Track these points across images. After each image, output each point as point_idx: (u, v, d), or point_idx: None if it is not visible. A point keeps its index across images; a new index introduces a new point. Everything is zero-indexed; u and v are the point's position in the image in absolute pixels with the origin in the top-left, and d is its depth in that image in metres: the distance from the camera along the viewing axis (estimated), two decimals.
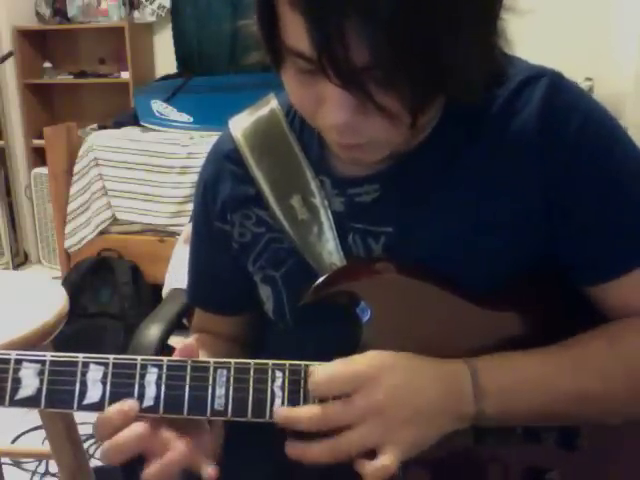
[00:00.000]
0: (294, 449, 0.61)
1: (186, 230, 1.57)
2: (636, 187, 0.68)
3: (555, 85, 0.67)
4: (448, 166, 0.69)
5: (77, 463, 1.40)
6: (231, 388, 0.62)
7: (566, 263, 0.70)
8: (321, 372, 0.62)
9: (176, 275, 1.46)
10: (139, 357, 0.62)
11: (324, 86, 0.58)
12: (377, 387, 0.61)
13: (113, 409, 0.60)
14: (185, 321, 1.24)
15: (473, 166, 0.68)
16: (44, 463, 1.98)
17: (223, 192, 0.80)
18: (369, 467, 0.59)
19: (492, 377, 0.64)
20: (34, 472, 1.95)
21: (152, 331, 1.13)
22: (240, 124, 0.80)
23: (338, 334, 0.71)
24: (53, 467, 1.92)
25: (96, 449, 2.03)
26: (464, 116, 0.68)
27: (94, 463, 1.92)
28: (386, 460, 0.59)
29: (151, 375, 0.62)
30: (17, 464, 1.97)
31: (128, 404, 0.61)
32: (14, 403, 0.61)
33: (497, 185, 0.68)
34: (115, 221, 2.88)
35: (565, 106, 0.67)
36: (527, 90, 0.68)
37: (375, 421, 0.60)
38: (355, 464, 0.60)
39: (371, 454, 0.60)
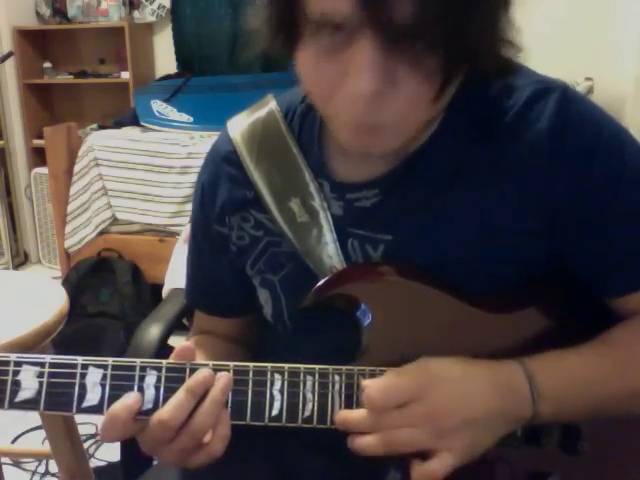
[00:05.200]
0: (350, 440, 0.62)
1: (186, 230, 1.57)
2: None
3: (567, 98, 0.67)
4: (449, 171, 0.69)
5: (77, 463, 1.40)
6: (230, 391, 0.62)
7: (585, 276, 0.70)
8: (375, 386, 0.62)
9: (176, 275, 1.46)
10: (138, 360, 0.62)
11: (350, 56, 0.57)
12: (431, 396, 0.61)
13: (118, 406, 0.60)
14: (185, 321, 1.24)
15: (476, 172, 0.68)
16: (44, 463, 1.97)
17: (221, 195, 0.79)
18: (417, 468, 0.61)
19: (547, 378, 0.64)
20: (34, 472, 1.95)
21: (152, 331, 1.13)
22: (238, 126, 0.79)
23: (336, 339, 0.70)
24: (53, 467, 1.92)
25: (96, 449, 2.03)
26: (466, 120, 0.68)
27: (94, 463, 1.92)
28: (434, 465, 0.60)
29: (150, 378, 0.61)
30: (17, 464, 1.97)
31: (131, 398, 0.60)
32: (14, 406, 0.60)
33: (500, 192, 0.67)
34: (115, 221, 2.88)
35: (578, 118, 0.67)
36: (539, 102, 0.67)
37: (427, 427, 0.60)
38: (409, 464, 0.62)
39: (425, 456, 0.61)
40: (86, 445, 1.98)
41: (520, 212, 0.67)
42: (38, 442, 1.95)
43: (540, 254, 0.69)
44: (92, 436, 2.06)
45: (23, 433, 2.09)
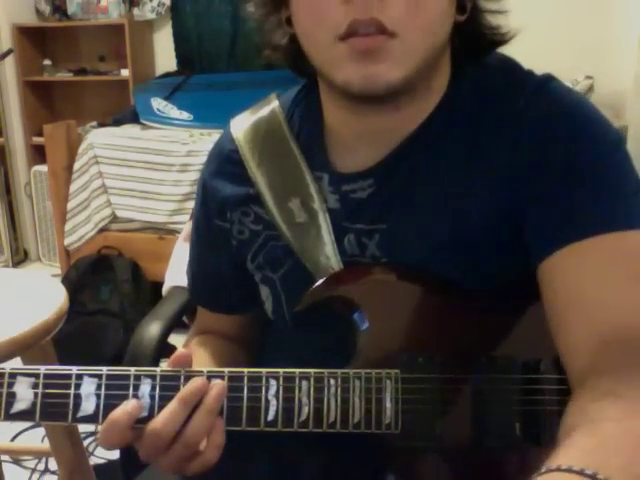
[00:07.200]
0: None
1: (186, 228, 1.57)
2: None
3: (555, 89, 0.68)
4: (442, 157, 0.69)
5: (77, 461, 1.40)
6: (225, 397, 0.62)
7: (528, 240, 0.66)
8: None
9: (176, 273, 1.46)
10: (132, 368, 0.62)
11: None
12: None
13: (119, 412, 0.60)
14: (185, 319, 1.24)
15: (468, 160, 0.68)
16: (44, 461, 1.97)
17: (223, 191, 0.80)
18: None
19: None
20: (34, 470, 1.95)
21: (152, 329, 1.13)
22: (241, 125, 0.80)
23: (337, 336, 0.71)
24: (53, 465, 1.91)
25: (96, 447, 2.03)
26: (458, 108, 0.69)
27: (94, 461, 1.92)
28: None
29: (145, 386, 0.62)
30: (17, 462, 1.97)
31: (131, 404, 0.61)
32: (9, 417, 0.61)
33: (494, 180, 0.67)
34: (115, 219, 2.88)
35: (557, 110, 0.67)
36: (535, 95, 0.68)
37: None
38: None
39: None
40: (86, 443, 1.98)
41: (515, 199, 0.66)
42: (38, 440, 1.95)
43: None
44: (92, 434, 2.06)
45: (23, 431, 2.08)
